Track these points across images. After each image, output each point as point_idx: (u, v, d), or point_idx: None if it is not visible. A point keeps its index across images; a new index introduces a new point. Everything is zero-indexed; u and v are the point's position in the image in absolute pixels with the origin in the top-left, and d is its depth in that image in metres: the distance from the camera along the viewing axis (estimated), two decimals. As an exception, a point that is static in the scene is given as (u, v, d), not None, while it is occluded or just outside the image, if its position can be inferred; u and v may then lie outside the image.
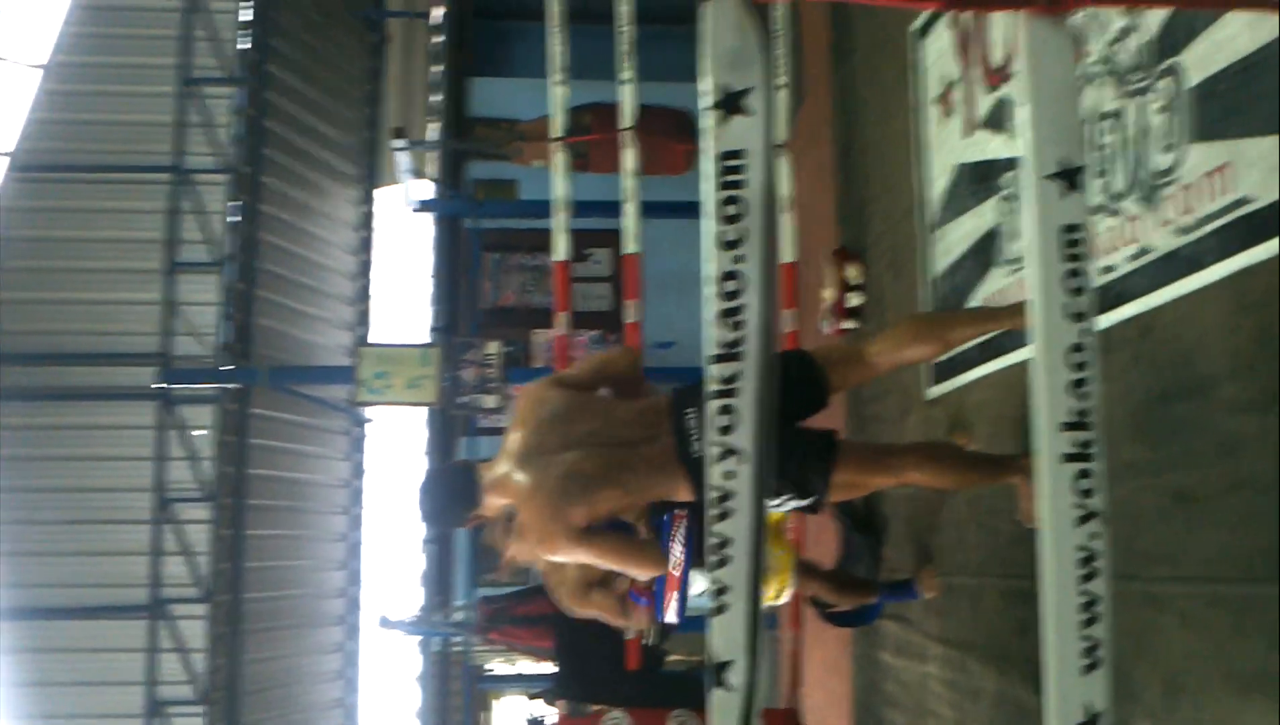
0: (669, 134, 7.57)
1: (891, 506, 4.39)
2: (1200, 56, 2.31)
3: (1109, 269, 2.66)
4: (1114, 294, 2.62)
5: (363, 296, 8.95)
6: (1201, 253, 2.30)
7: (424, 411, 8.34)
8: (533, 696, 5.94)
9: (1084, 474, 1.48)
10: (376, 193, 9.14)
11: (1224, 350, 2.23)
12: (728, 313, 1.42)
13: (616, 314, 8.27)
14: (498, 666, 9.96)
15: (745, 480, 1.41)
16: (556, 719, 5.34)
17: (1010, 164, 3.34)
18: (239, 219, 7.42)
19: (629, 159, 4.67)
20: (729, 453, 1.41)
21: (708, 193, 1.43)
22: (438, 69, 9.14)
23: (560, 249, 4.92)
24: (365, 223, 9.03)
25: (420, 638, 8.51)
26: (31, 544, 7.04)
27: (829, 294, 5.07)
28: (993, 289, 3.44)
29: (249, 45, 7.53)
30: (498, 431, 5.28)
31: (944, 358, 3.42)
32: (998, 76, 3.46)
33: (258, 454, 7.61)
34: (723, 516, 1.41)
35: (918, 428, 4.06)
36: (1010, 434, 3.26)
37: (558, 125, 4.83)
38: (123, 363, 7.18)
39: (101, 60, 7.31)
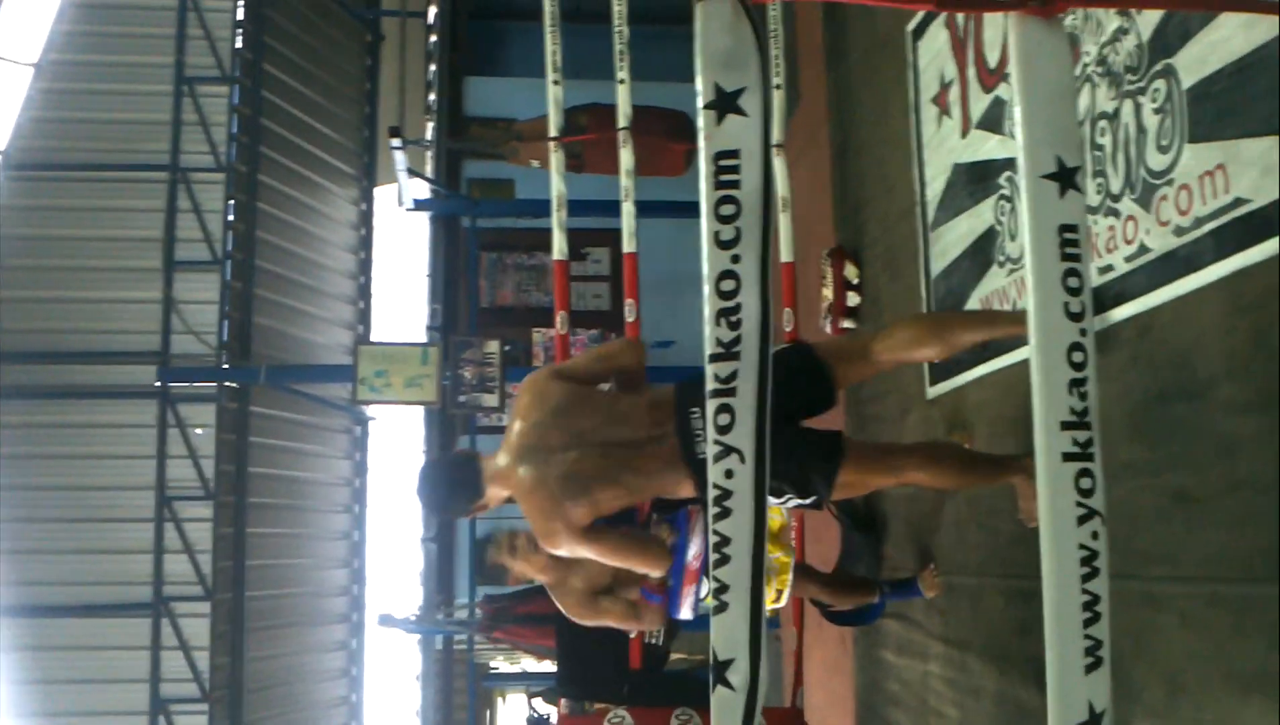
0: (668, 135, 7.53)
1: (892, 506, 4.40)
2: (1195, 58, 2.32)
3: (1107, 269, 2.67)
4: (1112, 294, 2.64)
5: (361, 295, 8.96)
6: (1198, 253, 2.31)
7: (422, 411, 8.33)
8: (534, 695, 5.94)
9: (1084, 473, 1.49)
10: (374, 191, 9.15)
11: (1221, 351, 2.24)
12: (724, 312, 1.42)
13: (615, 313, 8.27)
14: (502, 665, 9.96)
15: (744, 479, 1.42)
16: (558, 718, 5.34)
17: (1007, 164, 3.35)
18: (234, 217, 7.42)
19: (625, 159, 4.66)
20: (728, 451, 1.42)
21: (704, 192, 1.43)
22: (434, 68, 9.13)
23: (559, 248, 4.92)
24: (363, 221, 9.03)
25: (420, 636, 8.50)
26: (33, 542, 7.05)
27: (828, 293, 5.08)
28: (990, 289, 3.45)
29: (244, 44, 7.54)
30: (498, 430, 5.28)
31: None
32: (994, 77, 3.46)
33: (258, 452, 7.62)
34: (723, 515, 1.41)
35: (918, 427, 4.07)
36: (1010, 434, 3.26)
37: (554, 125, 4.83)
38: (122, 361, 7.18)
39: (97, 59, 7.31)
